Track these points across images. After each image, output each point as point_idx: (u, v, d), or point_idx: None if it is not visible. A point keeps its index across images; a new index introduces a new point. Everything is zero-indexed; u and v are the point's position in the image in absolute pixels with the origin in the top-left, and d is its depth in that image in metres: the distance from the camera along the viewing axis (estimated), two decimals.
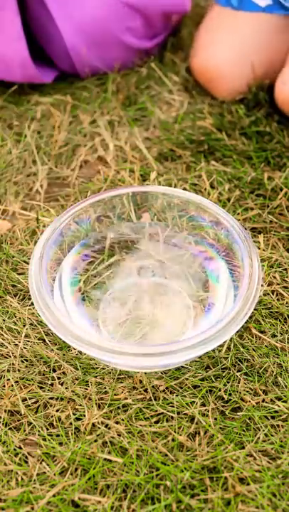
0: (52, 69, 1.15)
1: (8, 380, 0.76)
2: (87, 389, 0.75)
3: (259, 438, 0.72)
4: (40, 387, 0.76)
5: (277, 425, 0.73)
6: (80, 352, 0.78)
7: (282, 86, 1.02)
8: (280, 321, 0.82)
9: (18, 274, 0.87)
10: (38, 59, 1.13)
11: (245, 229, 0.78)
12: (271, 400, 0.75)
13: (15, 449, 0.71)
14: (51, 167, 1.01)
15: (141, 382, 0.76)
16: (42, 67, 1.13)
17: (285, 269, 0.87)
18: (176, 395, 0.75)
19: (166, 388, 0.76)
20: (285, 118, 1.07)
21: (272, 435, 0.72)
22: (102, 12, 1.08)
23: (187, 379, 0.76)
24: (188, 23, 1.27)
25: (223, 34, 1.08)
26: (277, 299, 0.85)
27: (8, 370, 0.77)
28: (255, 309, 0.82)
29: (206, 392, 0.75)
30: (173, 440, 0.72)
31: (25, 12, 1.09)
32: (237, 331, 0.77)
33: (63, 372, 0.77)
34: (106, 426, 0.73)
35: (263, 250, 0.89)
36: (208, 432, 0.72)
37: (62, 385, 0.76)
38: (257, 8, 1.06)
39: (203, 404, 0.74)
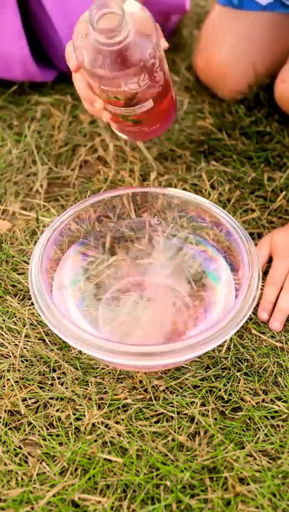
0: (53, 68, 1.15)
1: (8, 380, 0.76)
2: (87, 389, 0.75)
3: (259, 438, 0.72)
4: (40, 387, 0.76)
5: (277, 425, 0.73)
6: (80, 352, 0.78)
7: (282, 84, 1.02)
8: None
9: (18, 274, 0.87)
10: (39, 59, 1.13)
11: (246, 229, 0.78)
12: (271, 400, 0.75)
13: (15, 449, 0.71)
14: (51, 167, 1.01)
15: (141, 382, 0.76)
16: (43, 66, 1.13)
17: None
18: (176, 395, 0.75)
19: (166, 388, 0.76)
20: (285, 118, 1.07)
21: (272, 435, 0.72)
22: None
23: (187, 379, 0.76)
24: (188, 23, 1.27)
25: (225, 33, 1.08)
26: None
27: (8, 370, 0.77)
28: (254, 309, 0.83)
29: (206, 392, 0.75)
30: (173, 440, 0.72)
31: (28, 14, 1.09)
32: (237, 331, 0.77)
33: (63, 373, 0.77)
34: (106, 426, 0.73)
35: None
36: (208, 431, 0.72)
37: (62, 385, 0.76)
38: (258, 6, 1.05)
39: (203, 404, 0.74)
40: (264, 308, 0.82)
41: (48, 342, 0.80)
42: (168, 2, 1.12)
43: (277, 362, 0.78)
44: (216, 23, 1.10)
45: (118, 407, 0.74)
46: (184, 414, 0.74)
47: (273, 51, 1.08)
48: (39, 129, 1.06)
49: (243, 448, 0.71)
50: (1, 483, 0.69)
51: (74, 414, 0.74)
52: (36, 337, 0.80)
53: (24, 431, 0.73)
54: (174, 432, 0.72)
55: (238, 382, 0.76)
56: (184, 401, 0.74)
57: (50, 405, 0.75)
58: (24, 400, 0.75)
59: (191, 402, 0.74)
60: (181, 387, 0.76)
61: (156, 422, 0.73)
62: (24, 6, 1.08)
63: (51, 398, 0.75)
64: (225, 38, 1.08)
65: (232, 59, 1.07)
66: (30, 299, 0.84)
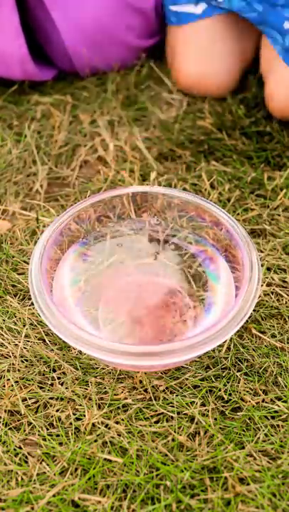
0: (52, 67, 1.15)
1: (8, 380, 0.76)
2: (87, 389, 0.75)
3: (259, 438, 0.72)
4: (40, 387, 0.76)
5: (277, 425, 0.73)
6: (80, 352, 0.78)
7: (271, 102, 1.02)
8: (279, 321, 0.82)
9: (18, 274, 0.87)
10: (38, 58, 1.13)
11: (245, 229, 0.78)
12: (271, 399, 0.75)
13: (15, 449, 0.71)
14: (51, 167, 1.01)
15: (141, 382, 0.76)
16: (42, 65, 1.13)
17: (284, 270, 0.87)
18: (176, 395, 0.75)
19: (166, 388, 0.76)
20: None
21: (272, 435, 0.72)
22: (102, 11, 1.08)
23: (187, 379, 0.76)
24: None
25: (182, 49, 1.09)
26: (277, 300, 0.85)
27: (8, 370, 0.77)
28: (254, 309, 0.83)
29: (206, 392, 0.75)
30: (173, 440, 0.72)
31: (26, 11, 1.09)
32: (237, 331, 0.77)
33: (63, 372, 0.77)
34: (106, 426, 0.73)
35: (261, 251, 0.89)
36: (208, 431, 0.72)
37: (62, 385, 0.76)
38: (194, 17, 1.06)
39: (203, 404, 0.74)
40: None
41: (48, 342, 0.80)
42: None
43: (277, 362, 0.78)
44: (170, 39, 1.11)
45: (118, 407, 0.74)
46: (184, 414, 0.74)
47: (241, 50, 1.09)
48: (39, 129, 1.06)
49: (243, 448, 0.71)
50: (1, 483, 0.69)
51: (74, 414, 0.74)
52: (36, 337, 0.80)
53: (24, 431, 0.73)
54: (174, 432, 0.72)
55: (238, 382, 0.76)
56: (184, 401, 0.74)
57: (50, 405, 0.75)
58: (24, 399, 0.75)
59: (191, 402, 0.74)
60: (181, 387, 0.76)
61: (156, 422, 0.73)
62: (22, 3, 1.07)
63: (51, 398, 0.75)
64: (183, 52, 1.08)
65: (199, 71, 1.08)
66: (30, 299, 0.84)
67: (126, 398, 0.75)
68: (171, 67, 1.13)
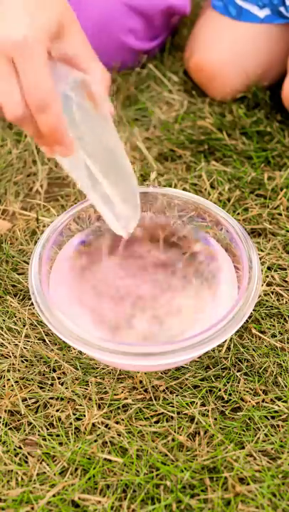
0: None
1: (8, 380, 0.76)
2: (87, 389, 0.75)
3: (259, 438, 0.72)
4: (40, 387, 0.76)
5: (277, 425, 0.73)
6: (80, 352, 0.78)
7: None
8: (279, 321, 0.82)
9: (18, 274, 0.87)
10: None
11: (245, 229, 0.78)
12: (271, 399, 0.75)
13: (15, 449, 0.71)
14: (51, 167, 1.01)
15: (141, 382, 0.76)
16: None
17: (284, 270, 0.87)
18: (176, 395, 0.75)
19: (166, 388, 0.76)
20: (286, 118, 1.07)
21: (272, 435, 0.72)
22: (104, 13, 1.08)
23: (187, 379, 0.76)
24: (188, 23, 1.27)
25: (221, 36, 1.09)
26: (277, 299, 0.85)
27: (8, 370, 0.77)
28: (254, 309, 0.83)
29: (206, 392, 0.75)
30: (173, 440, 0.72)
31: None
32: (237, 331, 0.77)
33: (63, 372, 0.77)
34: (106, 426, 0.73)
35: (262, 251, 0.89)
36: (208, 431, 0.72)
37: (62, 385, 0.76)
38: (256, 19, 1.07)
39: (203, 404, 0.74)
40: None
41: (48, 342, 0.80)
42: (169, 4, 1.12)
43: (277, 362, 0.78)
44: (211, 26, 1.11)
45: (118, 407, 0.74)
46: (184, 414, 0.74)
47: (268, 59, 1.09)
48: None
49: (243, 448, 0.71)
50: (1, 483, 0.69)
51: (74, 414, 0.74)
52: (36, 337, 0.80)
53: (24, 431, 0.73)
54: (174, 432, 0.72)
55: (238, 382, 0.76)
56: (184, 401, 0.74)
57: (50, 405, 0.75)
58: (24, 399, 0.75)
59: (191, 402, 0.74)
60: (181, 387, 0.76)
61: (156, 422, 0.73)
62: None
63: (51, 398, 0.75)
64: (221, 40, 1.09)
65: (226, 60, 1.08)
66: (30, 299, 0.84)
67: (126, 398, 0.75)
68: (194, 48, 1.12)
